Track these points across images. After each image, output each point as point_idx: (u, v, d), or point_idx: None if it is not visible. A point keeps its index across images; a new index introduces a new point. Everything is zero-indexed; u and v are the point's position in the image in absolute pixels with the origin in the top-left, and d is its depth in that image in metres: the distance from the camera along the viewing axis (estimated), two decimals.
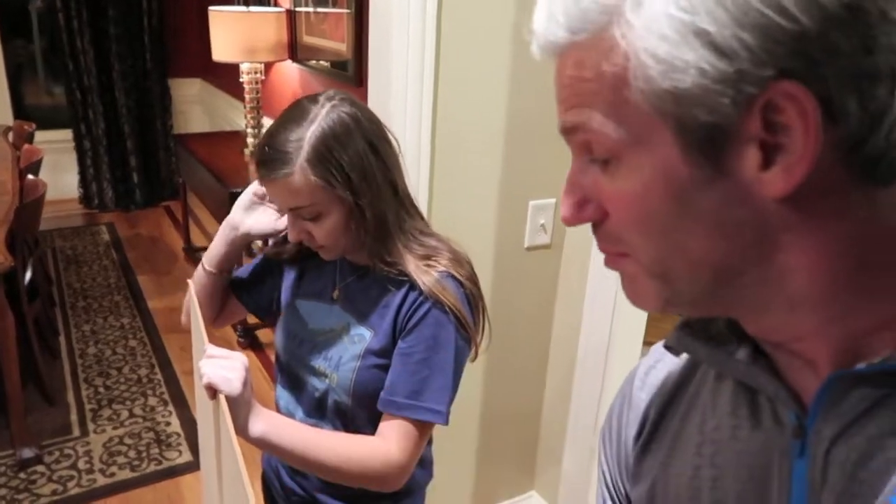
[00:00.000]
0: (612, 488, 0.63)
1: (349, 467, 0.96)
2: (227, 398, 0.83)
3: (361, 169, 0.96)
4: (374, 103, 1.47)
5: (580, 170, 0.45)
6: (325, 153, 0.93)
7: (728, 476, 0.48)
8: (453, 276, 1.00)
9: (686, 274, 0.43)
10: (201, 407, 1.11)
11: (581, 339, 1.78)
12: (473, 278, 1.05)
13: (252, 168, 1.02)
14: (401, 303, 1.01)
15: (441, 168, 1.51)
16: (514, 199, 1.65)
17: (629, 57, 0.38)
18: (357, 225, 0.98)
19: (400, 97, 1.41)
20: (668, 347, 0.54)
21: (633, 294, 0.46)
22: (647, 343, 1.87)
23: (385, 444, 0.98)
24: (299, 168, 0.93)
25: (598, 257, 1.68)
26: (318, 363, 1.06)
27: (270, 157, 0.94)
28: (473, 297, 1.03)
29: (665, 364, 0.59)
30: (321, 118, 0.94)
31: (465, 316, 0.99)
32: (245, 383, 0.87)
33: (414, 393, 0.98)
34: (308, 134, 0.93)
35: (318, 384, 1.06)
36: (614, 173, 0.42)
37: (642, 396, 0.59)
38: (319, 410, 1.07)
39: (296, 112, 0.96)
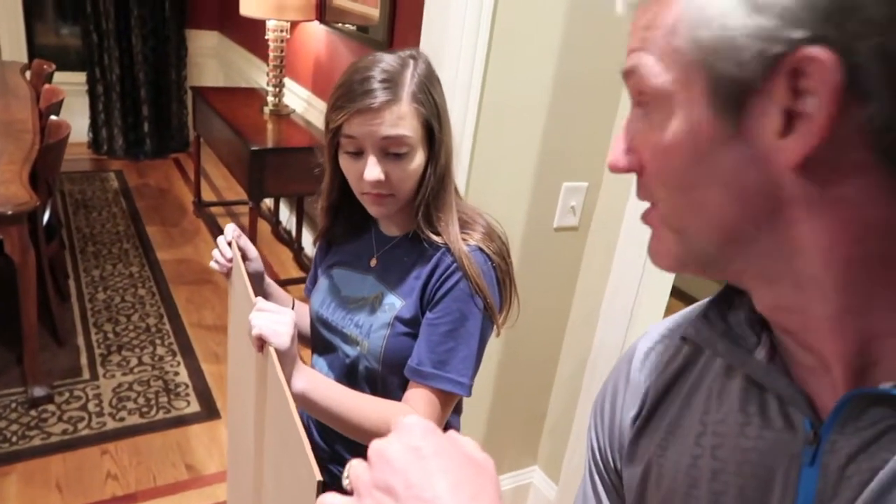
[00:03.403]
0: (601, 464, 0.63)
1: (380, 429, 0.97)
2: (276, 352, 0.85)
3: (445, 113, 1.01)
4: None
5: (633, 118, 0.46)
6: (425, 89, 0.97)
7: (730, 471, 0.48)
8: (482, 251, 1.02)
9: (700, 232, 0.44)
10: (236, 360, 1.12)
11: (599, 323, 1.81)
12: (503, 253, 1.06)
13: (330, 111, 1.00)
14: (431, 272, 1.02)
15: (482, 144, 1.53)
16: (548, 179, 1.66)
17: (681, 6, 0.40)
18: (429, 169, 1.00)
19: (450, 72, 1.41)
20: (684, 339, 0.54)
21: (653, 249, 0.48)
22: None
23: (413, 412, 1.00)
24: (406, 96, 0.95)
25: (623, 241, 1.71)
26: (350, 330, 1.08)
27: (373, 87, 0.94)
28: (500, 272, 1.05)
29: (665, 347, 0.58)
30: (413, 65, 0.98)
31: (487, 291, 1.01)
32: (293, 339, 0.89)
33: (439, 363, 1.00)
34: (408, 72, 0.97)
35: (349, 350, 1.08)
36: (652, 121, 0.44)
37: (641, 378, 0.59)
38: (351, 376, 1.09)
39: (381, 57, 0.98)
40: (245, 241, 1.09)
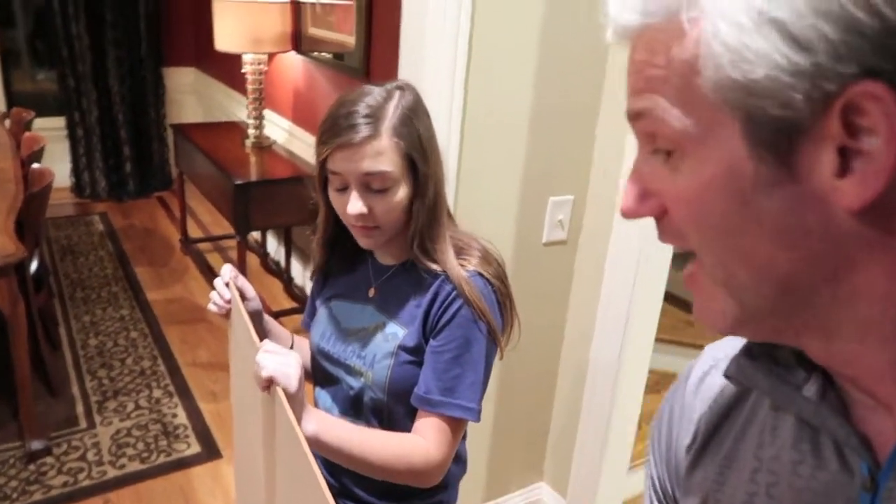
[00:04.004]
0: (660, 492, 0.62)
1: (394, 465, 0.97)
2: (285, 394, 0.84)
3: (432, 145, 1.01)
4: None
5: (644, 160, 0.43)
6: (408, 122, 0.97)
7: None
8: (481, 275, 1.03)
9: (750, 283, 0.40)
10: (241, 402, 1.12)
11: (595, 334, 1.81)
12: (501, 275, 1.07)
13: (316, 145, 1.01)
14: (432, 299, 1.02)
15: (467, 163, 1.53)
16: (534, 195, 1.67)
17: (699, 43, 0.37)
18: (419, 203, 1.00)
19: (432, 94, 1.42)
20: (728, 377, 0.50)
21: (702, 310, 0.44)
22: (659, 340, 1.91)
23: (424, 442, 1.00)
24: (385, 131, 0.95)
25: (613, 252, 1.72)
26: (353, 362, 1.07)
27: (354, 122, 0.95)
28: (501, 296, 1.06)
29: (720, 371, 0.55)
30: (398, 97, 0.98)
31: (489, 315, 1.01)
32: (301, 381, 0.89)
33: (447, 390, 1.00)
34: (390, 106, 0.97)
35: (353, 382, 1.07)
36: (676, 166, 0.40)
37: (696, 405, 0.57)
38: (356, 408, 1.09)
39: (367, 91, 0.99)
40: (242, 281, 1.09)
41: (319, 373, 1.14)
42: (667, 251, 1.71)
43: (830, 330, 0.40)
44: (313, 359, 1.15)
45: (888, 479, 0.40)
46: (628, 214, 0.44)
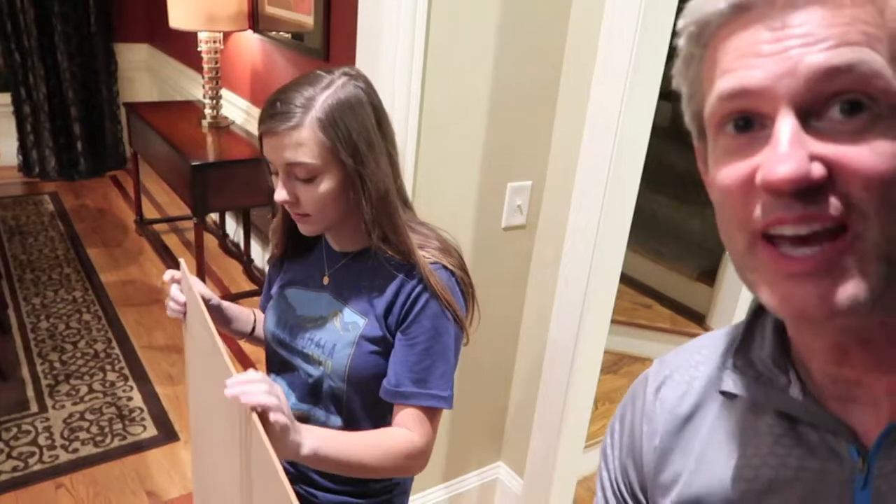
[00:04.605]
0: (618, 493, 0.65)
1: (387, 463, 0.98)
2: (277, 425, 0.79)
3: (368, 140, 0.98)
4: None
5: (805, 125, 0.40)
6: (336, 117, 0.95)
7: (774, 501, 0.50)
8: (443, 266, 1.04)
9: None
10: (197, 391, 1.10)
11: (553, 316, 1.84)
12: (463, 266, 1.08)
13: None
14: (396, 291, 1.02)
15: (426, 149, 1.54)
16: (493, 180, 1.69)
17: None
18: (356, 196, 0.98)
19: (388, 80, 1.42)
20: (724, 393, 0.55)
21: (837, 291, 0.40)
22: (617, 322, 1.96)
23: (409, 434, 1.01)
24: (308, 122, 0.94)
25: (571, 236, 1.75)
26: (311, 350, 1.07)
27: (280, 111, 0.94)
28: (464, 285, 1.07)
29: (675, 383, 0.61)
30: (337, 87, 0.96)
31: (455, 305, 1.03)
32: (287, 404, 0.85)
33: (419, 381, 1.01)
34: (322, 96, 0.95)
35: (312, 370, 1.07)
36: (871, 129, 0.39)
37: (656, 410, 0.61)
38: (313, 396, 1.09)
39: (311, 77, 0.98)
40: (198, 286, 1.06)
41: (275, 360, 1.14)
42: (624, 235, 1.75)
43: None
44: (268, 346, 1.15)
45: (878, 459, 0.46)
46: (800, 180, 0.39)
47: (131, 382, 2.58)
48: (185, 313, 1.06)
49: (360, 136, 0.97)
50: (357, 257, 1.07)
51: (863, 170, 0.39)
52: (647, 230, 1.71)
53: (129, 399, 2.48)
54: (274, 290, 1.16)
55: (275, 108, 0.95)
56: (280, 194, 0.97)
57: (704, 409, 0.58)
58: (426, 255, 1.02)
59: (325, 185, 0.97)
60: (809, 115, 0.40)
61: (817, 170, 0.39)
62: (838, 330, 0.45)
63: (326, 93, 0.95)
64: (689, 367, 0.61)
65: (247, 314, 1.21)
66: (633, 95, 1.54)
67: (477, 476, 2.08)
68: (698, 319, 2.86)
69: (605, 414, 2.45)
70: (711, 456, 0.55)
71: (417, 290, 1.01)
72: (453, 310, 1.02)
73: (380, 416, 1.06)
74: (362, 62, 1.49)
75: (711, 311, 2.79)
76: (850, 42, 0.38)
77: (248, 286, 3.38)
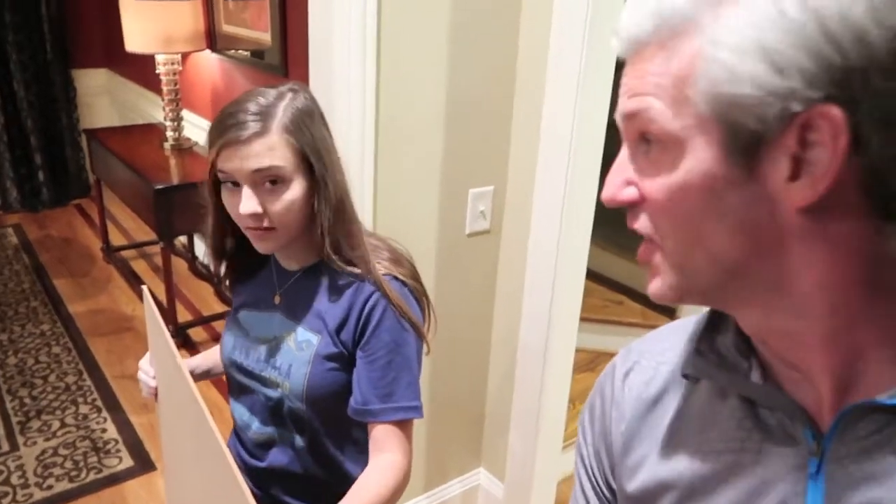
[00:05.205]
0: (594, 475, 0.67)
1: (389, 497, 0.98)
2: None
3: (326, 147, 0.99)
4: (316, 97, 1.47)
5: (630, 156, 0.50)
6: (299, 122, 0.96)
7: (735, 483, 0.52)
8: (395, 278, 1.03)
9: (704, 266, 0.47)
10: (166, 415, 1.09)
11: (522, 319, 1.85)
12: (415, 274, 1.08)
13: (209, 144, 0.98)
14: (349, 306, 1.01)
15: (384, 160, 1.54)
16: (454, 187, 1.70)
17: (698, 60, 0.43)
18: (318, 204, 0.98)
19: (343, 91, 1.42)
20: (686, 376, 0.57)
21: (654, 286, 0.51)
22: (588, 319, 1.97)
23: (390, 455, 1.00)
24: (275, 128, 0.94)
25: (535, 238, 1.76)
26: (268, 373, 1.06)
27: (242, 120, 0.93)
28: (418, 293, 1.07)
29: (643, 369, 0.63)
30: (290, 98, 0.97)
31: (411, 314, 1.03)
32: None
33: (385, 396, 1.00)
34: (281, 105, 0.96)
35: (271, 393, 1.06)
36: (658, 162, 0.47)
37: (625, 395, 0.64)
38: (275, 418, 1.08)
39: (260, 91, 0.98)
40: (151, 309, 1.05)
41: (234, 385, 1.12)
42: (587, 235, 1.77)
43: (771, 306, 0.47)
44: (227, 371, 1.13)
45: (832, 442, 0.47)
46: (610, 202, 0.50)
47: (105, 414, 2.54)
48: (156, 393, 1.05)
49: (321, 142, 0.98)
50: (307, 274, 1.06)
51: (651, 199, 0.48)
52: (612, 226, 1.73)
53: (104, 431, 2.44)
54: (229, 314, 1.15)
55: (236, 119, 0.94)
56: (248, 205, 0.94)
57: (670, 394, 0.60)
58: (377, 267, 1.02)
59: (292, 192, 0.96)
60: (634, 146, 0.49)
61: (628, 193, 0.50)
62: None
63: (283, 102, 0.96)
64: (656, 354, 0.63)
65: (213, 356, 1.21)
66: (585, 93, 1.56)
67: (459, 483, 2.08)
68: (669, 313, 2.89)
69: (578, 423, 2.46)
70: (676, 440, 0.57)
71: (371, 302, 1.00)
72: (410, 319, 1.01)
73: (344, 434, 1.06)
74: (316, 76, 1.49)
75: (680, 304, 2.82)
76: (638, 93, 0.47)
77: (219, 307, 3.34)
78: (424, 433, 1.93)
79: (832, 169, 0.41)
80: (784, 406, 0.51)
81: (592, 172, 1.69)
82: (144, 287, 1.07)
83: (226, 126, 0.94)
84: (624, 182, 0.50)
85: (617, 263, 3.11)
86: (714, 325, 0.57)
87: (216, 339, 3.09)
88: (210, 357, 1.21)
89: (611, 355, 2.56)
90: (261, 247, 1.01)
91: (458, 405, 1.99)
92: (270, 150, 0.93)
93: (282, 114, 0.95)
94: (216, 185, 1.00)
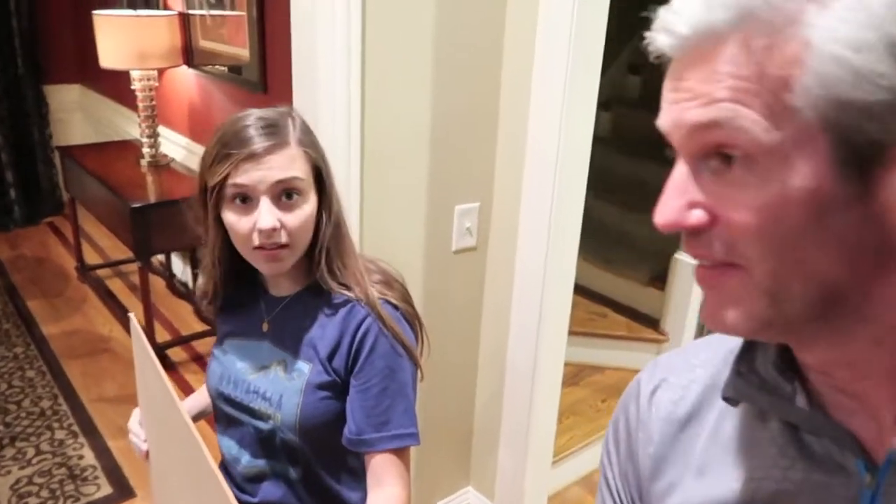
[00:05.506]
0: (618, 501, 0.64)
1: None
2: None
3: (326, 164, 0.99)
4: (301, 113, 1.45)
5: (691, 172, 0.43)
6: (310, 137, 0.96)
7: None
8: (387, 302, 1.01)
9: (799, 293, 0.41)
10: (156, 443, 1.05)
11: (510, 335, 1.84)
12: (406, 297, 1.06)
13: (214, 162, 0.94)
14: (341, 332, 0.98)
15: (370, 177, 1.52)
16: (440, 203, 1.68)
17: (804, 60, 0.37)
18: (324, 220, 0.97)
19: (328, 110, 1.40)
20: (727, 399, 0.52)
21: (735, 314, 0.44)
22: (574, 333, 1.96)
23: (390, 489, 0.97)
24: (294, 140, 0.93)
25: (521, 254, 1.75)
26: (258, 404, 1.02)
27: (259, 133, 0.91)
28: (410, 316, 1.05)
29: (671, 386, 0.59)
30: (292, 115, 0.97)
31: (405, 338, 1.00)
32: None
33: (381, 425, 0.97)
34: (290, 120, 0.95)
35: (261, 425, 1.02)
36: (743, 179, 0.40)
37: (651, 415, 0.60)
38: (267, 450, 1.04)
39: (257, 110, 0.96)
40: (139, 338, 1.02)
41: (222, 417, 1.08)
42: (574, 245, 1.76)
43: (851, 335, 0.43)
44: (213, 403, 1.09)
45: (888, 475, 0.44)
46: (670, 227, 0.43)
47: (81, 439, 2.46)
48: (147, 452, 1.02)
49: (325, 159, 0.98)
50: (296, 300, 1.03)
51: (735, 222, 0.41)
52: (596, 239, 1.73)
53: (81, 457, 2.37)
54: (213, 345, 1.12)
55: (248, 133, 0.91)
56: (267, 220, 0.91)
57: (703, 415, 0.56)
58: (370, 291, 1.00)
59: (310, 205, 0.95)
60: (699, 162, 0.43)
61: (696, 217, 0.43)
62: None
63: (290, 118, 0.96)
64: (685, 371, 0.59)
65: (204, 397, 1.17)
66: (571, 107, 1.55)
67: (447, 503, 2.05)
68: (653, 324, 2.89)
69: (569, 427, 2.44)
70: (712, 466, 0.53)
71: (363, 328, 0.97)
72: (404, 343, 0.99)
73: (339, 462, 1.03)
74: (300, 95, 1.46)
75: (664, 315, 2.83)
76: (719, 99, 0.40)
77: (199, 326, 3.28)
78: (412, 453, 1.90)
79: None
80: (834, 434, 0.46)
81: (579, 186, 1.69)
82: (132, 315, 1.03)
83: (241, 139, 0.91)
84: (687, 204, 0.43)
85: (601, 276, 3.11)
86: (753, 344, 0.53)
87: (196, 359, 3.03)
88: (202, 398, 1.17)
89: (596, 368, 2.56)
90: (272, 267, 0.97)
91: (447, 423, 1.96)
92: (292, 161, 0.92)
93: (294, 128, 0.94)
94: (216, 207, 0.96)
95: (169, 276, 3.70)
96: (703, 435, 0.55)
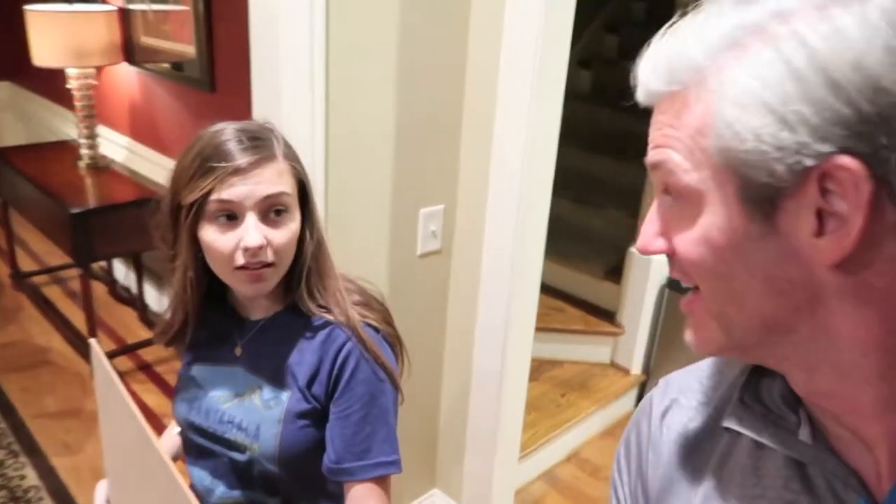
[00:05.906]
0: None
1: None
2: None
3: (308, 179, 0.95)
4: (262, 116, 1.40)
5: (660, 204, 0.49)
6: (293, 151, 0.92)
7: None
8: (368, 325, 0.97)
9: (738, 320, 0.46)
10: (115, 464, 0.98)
11: (476, 336, 1.82)
12: (387, 318, 1.02)
13: (196, 175, 0.87)
14: (320, 358, 0.94)
15: (334, 181, 1.48)
16: (405, 207, 1.65)
17: (708, 114, 0.43)
18: (308, 237, 0.93)
19: (290, 112, 1.35)
20: (728, 429, 0.54)
21: (695, 336, 0.49)
22: (540, 329, 1.95)
23: None
24: (280, 155, 0.89)
25: (487, 256, 1.73)
26: (233, 435, 0.96)
27: (244, 146, 0.86)
28: (391, 338, 1.01)
29: (682, 408, 0.59)
30: (272, 128, 0.93)
31: (386, 362, 0.96)
32: None
33: (362, 453, 0.94)
34: (272, 133, 0.91)
35: (238, 457, 0.96)
36: (681, 213, 0.46)
37: (662, 435, 0.60)
38: (244, 481, 0.98)
39: (237, 122, 0.92)
40: (101, 363, 0.95)
41: (192, 448, 1.01)
42: (540, 245, 1.76)
43: (811, 366, 0.45)
44: (183, 434, 1.03)
45: None
46: (644, 250, 0.50)
47: (22, 459, 2.33)
48: None
49: (307, 174, 0.95)
50: (271, 323, 0.98)
51: (680, 252, 0.47)
52: (552, 233, 1.74)
53: (22, 478, 2.24)
54: (180, 370, 1.04)
55: (231, 146, 0.85)
56: (254, 237, 0.85)
57: (713, 438, 0.56)
58: (350, 312, 0.96)
59: (295, 222, 0.91)
60: (661, 196, 0.48)
61: (657, 245, 0.49)
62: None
63: (272, 131, 0.91)
64: (698, 392, 0.60)
65: (176, 440, 1.10)
66: (539, 107, 1.54)
67: None
68: (609, 317, 2.93)
69: (532, 423, 2.45)
70: (718, 492, 0.54)
71: (344, 352, 0.93)
72: (385, 367, 0.95)
73: (319, 489, 0.99)
74: (261, 98, 1.41)
75: (620, 308, 2.87)
76: (658, 144, 0.47)
77: (145, 334, 3.15)
78: None
79: (857, 223, 0.39)
80: (835, 469, 0.47)
81: (545, 186, 1.68)
82: (93, 341, 0.93)
83: (224, 152, 0.85)
84: (654, 233, 0.49)
85: (557, 271, 3.13)
86: (759, 371, 0.54)
87: (143, 367, 2.91)
88: (174, 438, 1.09)
89: (555, 363, 2.58)
90: (255, 288, 0.91)
91: (411, 428, 1.93)
92: (279, 175, 0.88)
93: (278, 141, 0.90)
94: (191, 226, 0.89)
95: (111, 282, 3.55)
96: (711, 460, 0.55)
